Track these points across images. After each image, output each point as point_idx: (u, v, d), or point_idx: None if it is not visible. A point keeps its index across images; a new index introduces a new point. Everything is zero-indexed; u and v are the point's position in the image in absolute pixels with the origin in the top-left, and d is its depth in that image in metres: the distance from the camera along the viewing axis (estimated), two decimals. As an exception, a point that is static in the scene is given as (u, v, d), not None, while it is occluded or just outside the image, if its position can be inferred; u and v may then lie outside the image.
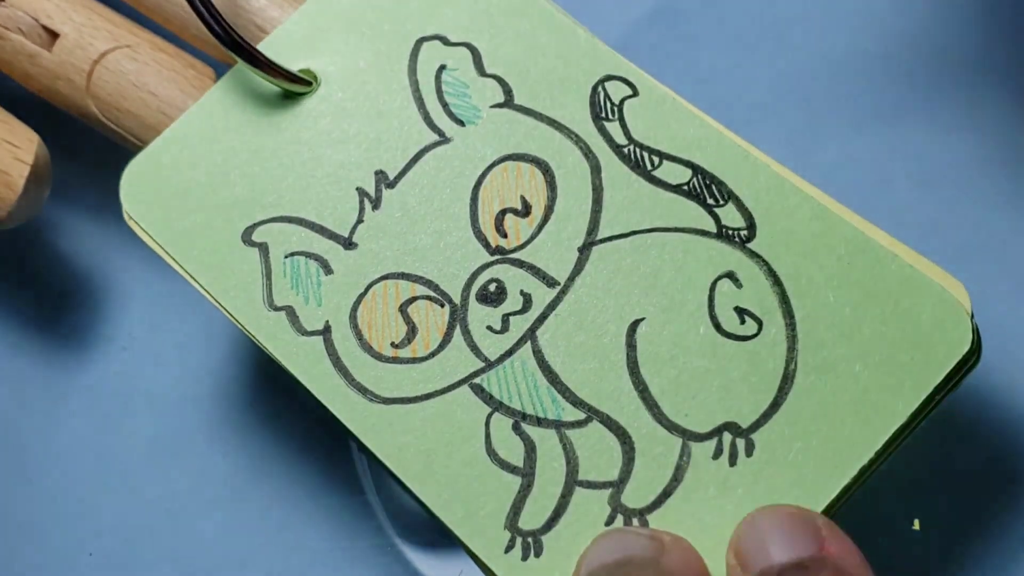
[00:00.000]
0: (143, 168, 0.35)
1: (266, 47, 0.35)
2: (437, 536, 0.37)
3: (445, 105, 0.34)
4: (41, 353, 0.41)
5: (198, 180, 0.34)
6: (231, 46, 0.34)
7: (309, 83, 0.35)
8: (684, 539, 0.29)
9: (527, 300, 0.32)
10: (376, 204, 0.33)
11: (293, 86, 0.34)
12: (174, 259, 0.34)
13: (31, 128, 0.37)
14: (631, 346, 0.31)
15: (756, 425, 0.30)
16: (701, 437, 0.30)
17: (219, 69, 0.37)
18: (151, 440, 0.40)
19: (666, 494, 0.30)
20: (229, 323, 0.39)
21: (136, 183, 0.34)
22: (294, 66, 0.35)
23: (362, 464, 0.38)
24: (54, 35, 0.37)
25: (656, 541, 0.29)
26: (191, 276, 0.33)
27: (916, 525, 0.35)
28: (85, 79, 0.37)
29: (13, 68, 0.38)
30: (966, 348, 0.30)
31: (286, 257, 0.33)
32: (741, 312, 0.31)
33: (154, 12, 0.38)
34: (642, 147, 0.33)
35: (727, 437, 0.30)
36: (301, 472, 0.38)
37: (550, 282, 0.32)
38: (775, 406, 0.30)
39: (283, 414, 0.39)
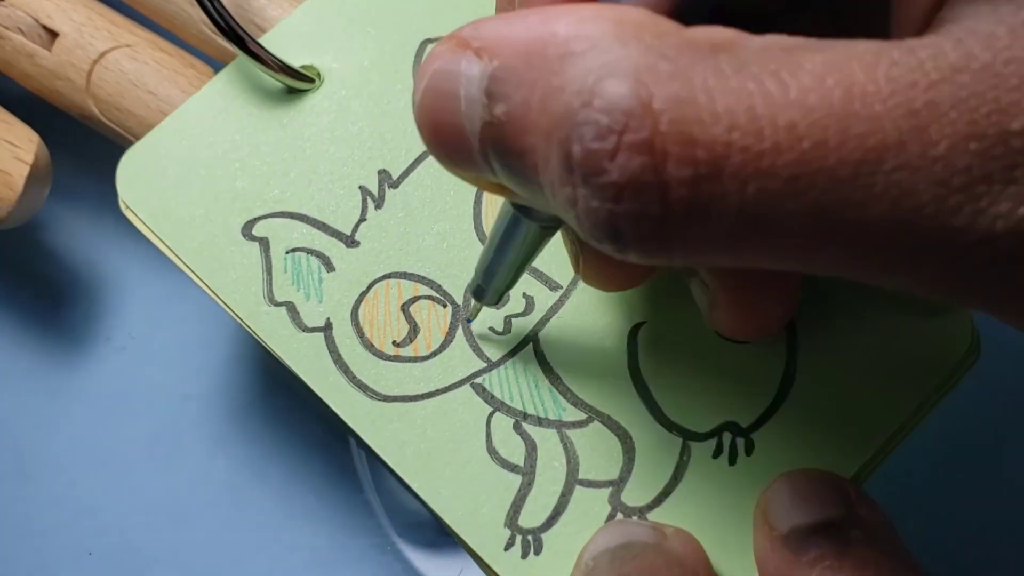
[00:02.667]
0: (140, 157, 0.34)
1: (268, 41, 0.35)
2: (437, 535, 0.37)
3: None
4: (40, 353, 0.41)
5: (197, 171, 0.34)
6: (234, 40, 0.33)
7: (312, 80, 0.34)
8: (687, 531, 0.29)
9: (529, 302, 0.32)
10: (379, 203, 0.33)
11: (295, 82, 0.34)
12: (171, 251, 0.33)
13: (31, 128, 0.37)
14: (632, 349, 0.31)
15: (756, 425, 0.30)
16: (701, 437, 0.30)
17: (218, 69, 0.37)
18: (151, 440, 0.40)
19: (666, 493, 0.30)
20: (229, 323, 0.39)
21: (133, 172, 0.34)
22: (297, 62, 0.34)
23: (362, 463, 0.38)
24: (54, 35, 0.37)
25: (658, 531, 0.29)
26: (189, 268, 0.33)
27: (916, 525, 0.35)
28: (85, 79, 0.37)
29: (13, 68, 0.38)
30: (964, 348, 0.30)
31: (287, 253, 0.33)
32: (742, 313, 0.31)
33: (154, 12, 0.38)
34: None
35: (727, 437, 0.30)
36: (301, 471, 0.38)
37: (552, 285, 0.32)
38: (775, 406, 0.30)
39: (283, 414, 0.39)
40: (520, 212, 0.27)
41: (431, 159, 0.33)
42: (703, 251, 0.21)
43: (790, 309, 0.30)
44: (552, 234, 0.28)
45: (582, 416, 0.31)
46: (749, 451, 0.30)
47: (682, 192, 0.20)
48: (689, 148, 0.20)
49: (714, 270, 0.29)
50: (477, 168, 0.24)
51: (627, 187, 0.20)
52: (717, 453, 0.30)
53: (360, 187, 0.33)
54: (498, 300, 0.31)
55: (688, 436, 0.30)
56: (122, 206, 0.34)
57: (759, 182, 0.20)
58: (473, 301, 0.31)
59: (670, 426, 0.30)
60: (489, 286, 0.30)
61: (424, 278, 0.32)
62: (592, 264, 0.29)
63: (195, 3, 0.34)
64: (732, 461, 0.30)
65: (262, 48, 0.34)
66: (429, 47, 0.35)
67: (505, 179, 0.23)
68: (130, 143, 0.36)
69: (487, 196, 0.33)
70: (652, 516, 0.30)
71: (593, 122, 0.20)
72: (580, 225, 0.21)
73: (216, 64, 0.37)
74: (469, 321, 0.32)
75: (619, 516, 0.30)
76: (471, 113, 0.23)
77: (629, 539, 0.29)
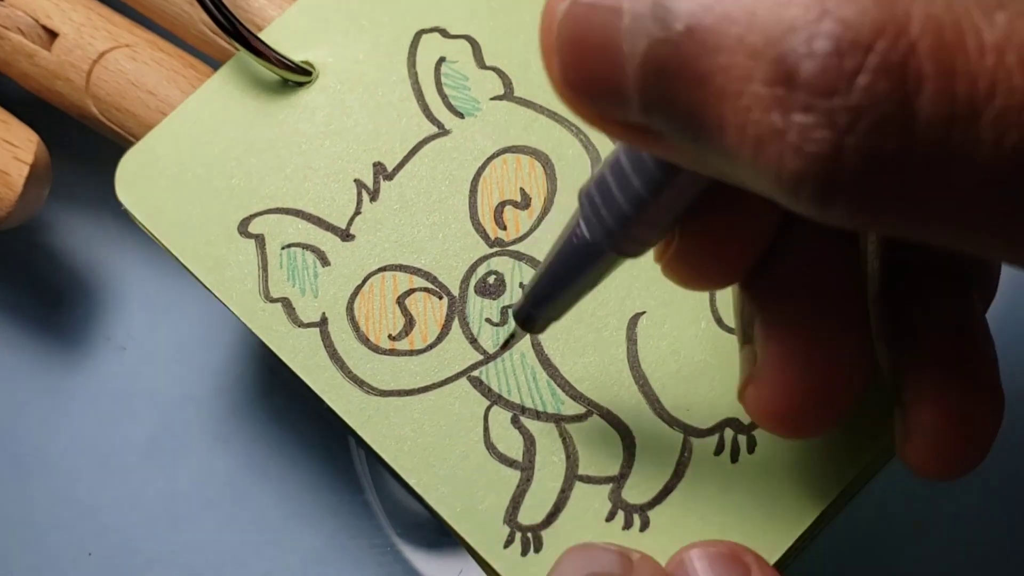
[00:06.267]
0: (139, 158, 0.34)
1: (265, 37, 0.35)
2: (436, 535, 0.37)
3: (444, 97, 0.34)
4: (41, 353, 0.41)
5: (194, 170, 0.34)
6: (234, 35, 0.33)
7: (309, 73, 0.34)
8: (653, 559, 0.29)
9: None
10: (374, 196, 0.33)
11: (293, 76, 0.34)
12: (170, 251, 0.33)
13: (31, 128, 0.37)
14: (631, 340, 0.31)
15: None
16: (702, 433, 0.30)
17: (218, 69, 0.37)
18: (151, 440, 0.39)
19: (667, 489, 0.30)
20: (229, 323, 0.39)
21: (131, 173, 0.34)
22: (294, 58, 0.34)
23: (362, 463, 0.38)
24: (53, 35, 0.37)
25: (624, 558, 0.28)
26: (187, 267, 0.33)
27: (916, 525, 0.35)
28: (84, 79, 0.37)
29: (13, 68, 0.38)
30: None
31: (283, 248, 0.33)
32: (743, 307, 0.31)
33: (154, 12, 0.38)
34: None
35: (729, 433, 0.30)
36: (301, 472, 0.38)
37: None
38: None
39: (282, 414, 0.39)
40: (603, 239, 0.24)
41: (426, 150, 0.33)
42: (923, 214, 0.18)
43: (845, 396, 0.26)
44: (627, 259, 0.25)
45: (581, 410, 0.30)
46: (751, 449, 0.30)
47: (932, 132, 0.17)
48: (949, 81, 0.17)
49: (772, 339, 0.25)
50: (619, 103, 0.20)
51: (867, 113, 0.17)
52: (719, 450, 0.30)
53: (355, 180, 0.33)
54: (544, 329, 0.29)
55: (689, 432, 0.30)
56: (123, 208, 0.34)
57: (1019, 132, 0.17)
58: (510, 334, 0.30)
59: (670, 421, 0.30)
60: (542, 314, 0.28)
61: (419, 270, 0.32)
62: (688, 249, 0.26)
63: (195, 3, 0.34)
64: (734, 459, 0.30)
65: (263, 44, 0.34)
66: (424, 38, 0.35)
67: (660, 114, 0.20)
68: (130, 143, 0.36)
69: (482, 186, 0.33)
70: (653, 513, 0.29)
71: (831, 36, 0.17)
72: (777, 165, 0.18)
73: (216, 64, 0.37)
74: (499, 353, 0.31)
75: (619, 513, 0.30)
76: (636, 30, 0.19)
77: (594, 570, 0.28)
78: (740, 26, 0.18)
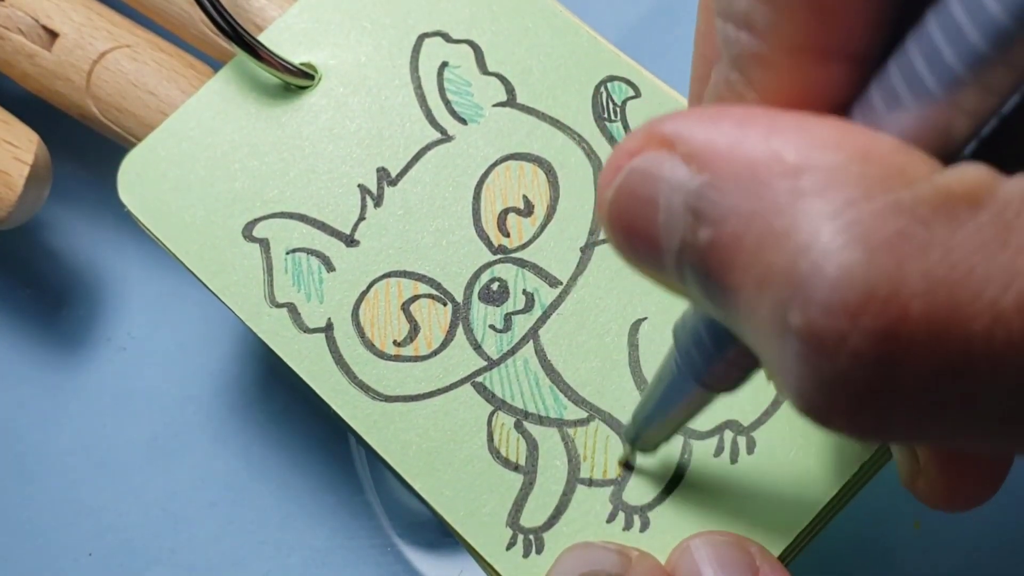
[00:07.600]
0: (140, 160, 0.34)
1: (265, 40, 0.35)
2: (437, 535, 0.37)
3: (447, 103, 0.34)
4: (41, 353, 0.41)
5: (197, 173, 0.34)
6: (233, 37, 0.33)
7: (311, 76, 0.34)
8: (651, 555, 0.29)
9: (529, 299, 0.32)
10: (378, 201, 0.33)
11: (294, 79, 0.34)
12: (173, 253, 0.33)
13: (31, 128, 0.37)
14: (633, 345, 0.31)
15: (757, 423, 0.30)
16: (702, 435, 0.30)
17: (218, 69, 0.36)
18: (151, 440, 0.40)
19: (668, 491, 0.30)
20: (229, 323, 0.39)
21: (134, 176, 0.34)
22: (294, 59, 0.34)
23: (362, 463, 0.38)
24: (54, 35, 0.37)
25: (623, 556, 0.29)
26: (191, 270, 0.33)
27: (916, 525, 0.35)
28: (85, 79, 0.37)
29: (13, 68, 0.38)
30: None
31: (287, 253, 0.33)
32: (743, 310, 0.31)
33: (154, 12, 0.38)
34: None
35: (728, 435, 0.30)
36: (301, 471, 0.38)
37: (552, 281, 0.32)
38: (776, 404, 0.30)
39: (282, 414, 0.39)
40: (690, 372, 0.24)
41: (429, 156, 0.33)
42: (926, 441, 0.18)
43: (1005, 473, 0.26)
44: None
45: (583, 414, 0.31)
46: (751, 450, 0.30)
47: (922, 391, 0.17)
48: (941, 343, 0.16)
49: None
50: (667, 276, 0.20)
51: (854, 378, 0.17)
52: (718, 452, 0.30)
53: (359, 185, 0.33)
54: (655, 449, 0.29)
55: (689, 434, 0.30)
56: (125, 209, 0.34)
57: (1017, 388, 0.16)
58: (626, 452, 0.30)
59: None
60: (646, 436, 0.29)
61: (424, 276, 0.32)
62: (941, 481, 0.26)
63: (195, 3, 0.34)
64: (733, 460, 0.30)
65: (263, 46, 0.34)
66: (426, 42, 0.35)
67: (698, 298, 0.20)
68: (130, 143, 0.36)
69: (486, 193, 0.33)
70: (653, 515, 0.30)
71: (823, 292, 0.16)
72: (782, 388, 0.18)
73: (216, 64, 0.37)
74: (629, 466, 0.30)
75: (620, 515, 0.30)
76: (670, 226, 0.19)
77: (592, 567, 0.28)
78: (750, 252, 0.18)
